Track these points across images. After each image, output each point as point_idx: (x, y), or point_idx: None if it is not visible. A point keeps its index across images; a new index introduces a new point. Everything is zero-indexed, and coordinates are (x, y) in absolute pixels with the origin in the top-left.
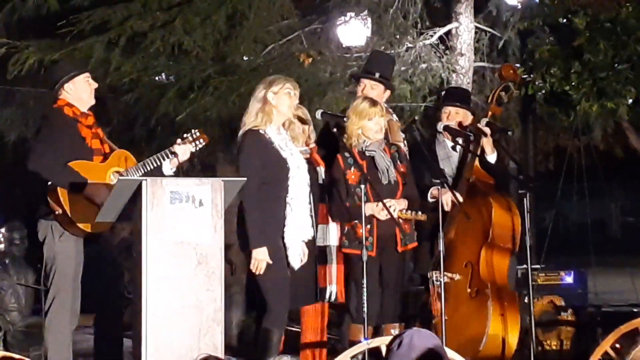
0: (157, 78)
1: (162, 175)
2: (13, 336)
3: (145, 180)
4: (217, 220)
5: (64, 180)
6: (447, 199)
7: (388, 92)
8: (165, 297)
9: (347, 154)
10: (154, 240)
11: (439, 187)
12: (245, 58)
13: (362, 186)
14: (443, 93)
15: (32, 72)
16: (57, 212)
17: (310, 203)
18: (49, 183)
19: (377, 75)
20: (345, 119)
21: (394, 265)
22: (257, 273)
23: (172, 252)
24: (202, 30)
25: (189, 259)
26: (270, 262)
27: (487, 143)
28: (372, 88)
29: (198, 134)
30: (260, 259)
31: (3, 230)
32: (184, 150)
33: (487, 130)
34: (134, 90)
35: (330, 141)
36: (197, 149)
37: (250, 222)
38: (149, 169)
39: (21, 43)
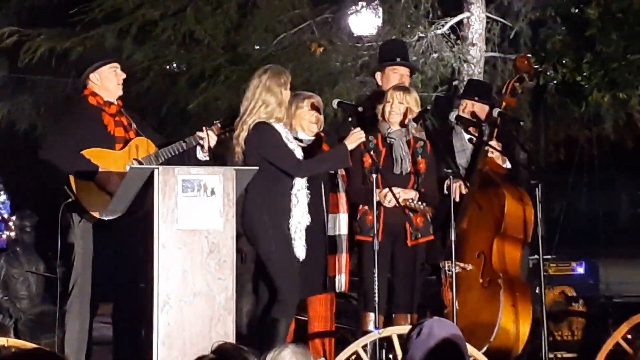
0: (168, 67)
1: (180, 162)
2: (24, 324)
3: (157, 169)
4: (228, 209)
5: (74, 168)
6: (455, 187)
7: (407, 76)
8: (176, 286)
9: (371, 137)
10: (166, 229)
11: (451, 178)
12: (256, 47)
13: (374, 175)
14: (463, 84)
15: (43, 61)
16: (71, 199)
17: (320, 194)
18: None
19: (397, 60)
20: (359, 108)
21: (404, 257)
22: (276, 253)
23: (184, 241)
24: (214, 19)
25: (200, 248)
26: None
27: (498, 157)
28: (394, 72)
29: (230, 121)
30: (356, 136)
31: (14, 218)
32: (209, 135)
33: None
34: (145, 79)
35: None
36: (226, 135)
37: (323, 165)
38: (168, 156)
39: (33, 31)
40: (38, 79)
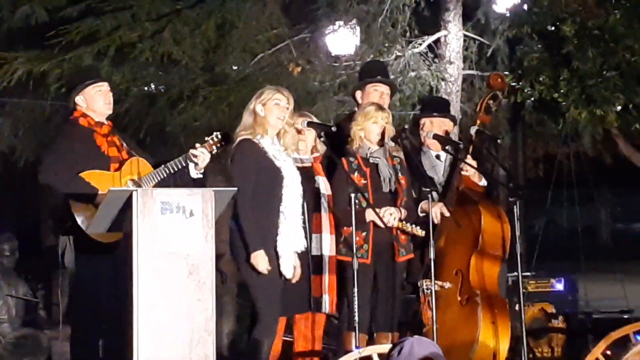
0: (146, 88)
1: (181, 180)
2: (4, 348)
3: (136, 190)
4: (207, 231)
5: (74, 190)
6: (436, 211)
7: (387, 95)
8: (156, 308)
9: (351, 159)
10: (145, 251)
11: (429, 200)
12: (234, 67)
13: (353, 195)
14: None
15: (21, 83)
16: (69, 224)
17: (303, 214)
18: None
19: (378, 77)
20: (333, 128)
21: (389, 275)
22: (256, 276)
23: (163, 263)
24: (191, 40)
25: (179, 269)
26: (269, 267)
27: (474, 175)
28: (374, 90)
29: (220, 136)
30: (259, 261)
31: None
32: (202, 153)
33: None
34: (123, 100)
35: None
36: (217, 151)
37: (246, 228)
38: (163, 176)
39: (10, 54)
40: (16, 102)
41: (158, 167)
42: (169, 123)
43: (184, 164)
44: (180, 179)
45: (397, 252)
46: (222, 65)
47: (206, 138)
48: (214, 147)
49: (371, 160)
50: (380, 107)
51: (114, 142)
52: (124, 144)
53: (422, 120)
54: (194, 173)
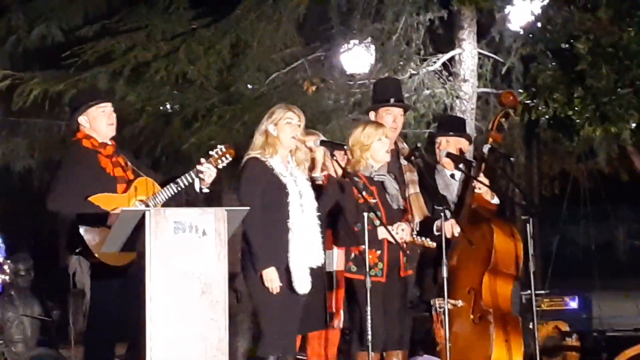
0: (161, 108)
1: (189, 196)
2: None
3: (149, 210)
4: (220, 250)
5: (84, 217)
6: (448, 227)
7: (401, 116)
8: (169, 327)
9: (356, 179)
10: (158, 270)
11: (442, 217)
12: (249, 86)
13: (365, 214)
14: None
15: (37, 103)
16: (79, 249)
17: (320, 231)
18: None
19: (392, 100)
20: (345, 146)
21: (396, 291)
22: (262, 291)
23: (176, 282)
24: (206, 60)
25: (192, 289)
26: (280, 283)
27: (486, 193)
28: (387, 113)
29: (224, 149)
30: (270, 278)
31: (9, 261)
32: (208, 168)
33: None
34: (138, 120)
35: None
36: (224, 165)
37: (254, 246)
38: (172, 194)
39: (26, 74)
40: (32, 122)
41: (166, 185)
42: (184, 142)
43: (191, 180)
44: (188, 195)
45: (402, 267)
46: (236, 84)
47: (210, 152)
48: (219, 161)
49: (376, 179)
50: (377, 124)
51: (118, 162)
52: (129, 163)
53: (438, 139)
54: (202, 188)
